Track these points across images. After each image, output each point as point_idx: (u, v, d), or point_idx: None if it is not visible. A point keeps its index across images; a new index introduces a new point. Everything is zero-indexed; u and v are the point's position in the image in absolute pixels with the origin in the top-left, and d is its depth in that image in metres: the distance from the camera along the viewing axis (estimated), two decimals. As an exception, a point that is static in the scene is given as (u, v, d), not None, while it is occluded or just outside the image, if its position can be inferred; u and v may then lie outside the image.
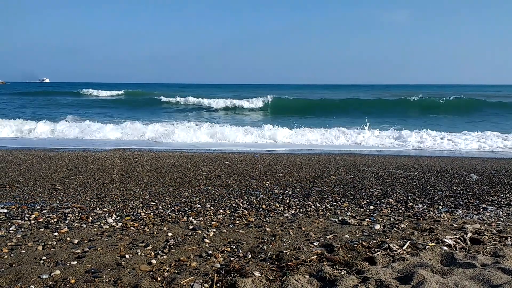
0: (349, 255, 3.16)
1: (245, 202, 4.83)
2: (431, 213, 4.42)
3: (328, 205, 4.71)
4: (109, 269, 2.89)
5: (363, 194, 5.24)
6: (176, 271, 2.87)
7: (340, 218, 4.16)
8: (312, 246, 3.37)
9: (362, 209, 4.56)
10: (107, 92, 39.62)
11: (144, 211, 4.43)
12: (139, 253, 3.20)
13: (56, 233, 3.68)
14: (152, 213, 4.34)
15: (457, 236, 3.54)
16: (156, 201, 4.84)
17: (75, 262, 3.00)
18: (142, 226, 3.91)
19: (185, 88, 66.42)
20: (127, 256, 3.14)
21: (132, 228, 3.86)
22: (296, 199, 4.99)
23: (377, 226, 3.89)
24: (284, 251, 3.22)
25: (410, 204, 4.79)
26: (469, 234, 3.59)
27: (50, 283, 2.67)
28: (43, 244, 3.39)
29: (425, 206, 4.69)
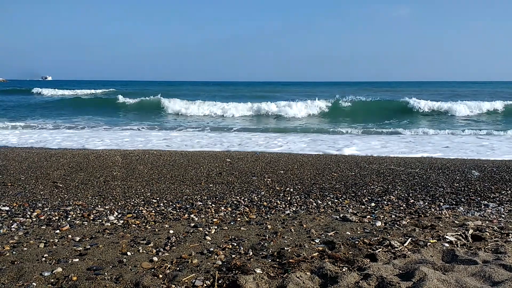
0: (350, 252, 3.16)
1: (246, 199, 4.83)
2: (433, 210, 4.41)
3: (329, 202, 4.71)
4: (110, 267, 2.90)
5: (364, 191, 5.24)
6: (178, 268, 2.88)
7: (341, 215, 4.16)
8: (314, 243, 3.38)
9: (363, 206, 4.56)
10: (66, 92, 37.60)
11: (145, 208, 4.43)
12: (140, 251, 3.21)
13: (57, 231, 3.69)
14: (153, 211, 4.35)
15: (459, 233, 3.54)
16: (158, 198, 4.84)
17: (77, 260, 3.01)
18: (144, 224, 3.92)
19: (182, 86, 65.75)
20: (128, 253, 3.15)
21: (133, 225, 3.87)
22: (297, 196, 4.99)
23: (378, 223, 3.89)
24: (285, 248, 3.22)
25: (411, 201, 4.79)
26: (471, 231, 3.59)
27: (52, 280, 2.68)
28: (44, 241, 3.40)
29: (426, 203, 4.69)
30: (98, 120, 17.32)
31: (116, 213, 4.25)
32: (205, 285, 2.63)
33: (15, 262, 2.96)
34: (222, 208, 4.47)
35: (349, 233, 3.62)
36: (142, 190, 5.22)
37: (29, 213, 4.21)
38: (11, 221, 3.94)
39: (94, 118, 17.90)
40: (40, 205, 4.52)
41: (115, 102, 24.28)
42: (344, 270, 2.83)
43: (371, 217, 4.12)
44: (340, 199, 4.85)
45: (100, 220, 4.01)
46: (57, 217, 4.09)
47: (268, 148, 9.33)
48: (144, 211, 4.33)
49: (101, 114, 19.46)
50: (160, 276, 2.74)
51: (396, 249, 3.21)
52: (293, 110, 19.65)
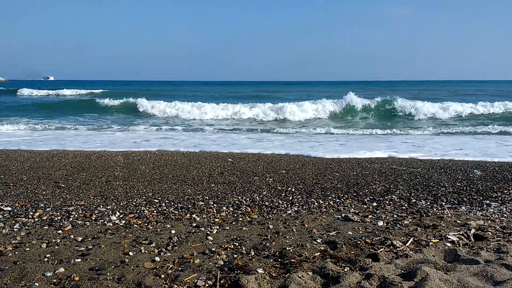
0: (352, 252, 3.16)
1: (248, 199, 4.83)
2: (435, 209, 4.41)
3: (331, 202, 4.71)
4: (113, 267, 2.90)
5: (366, 190, 5.23)
6: (180, 268, 2.88)
7: (343, 215, 4.16)
8: (315, 243, 3.38)
9: (365, 206, 4.56)
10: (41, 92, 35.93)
11: (147, 208, 4.44)
12: (142, 251, 3.21)
13: (60, 231, 3.69)
14: (155, 211, 4.36)
15: (461, 233, 3.54)
16: (159, 198, 4.85)
17: (79, 260, 3.02)
18: (146, 224, 3.92)
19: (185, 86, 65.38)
20: (130, 253, 3.16)
21: (135, 225, 3.88)
22: (299, 196, 4.99)
23: (380, 223, 3.89)
24: (287, 248, 3.22)
25: (413, 200, 4.78)
26: (473, 231, 3.58)
27: (54, 280, 2.68)
28: (47, 242, 3.41)
29: (428, 203, 4.68)
30: (55, 120, 16.58)
31: (118, 213, 4.26)
32: (207, 285, 2.64)
33: (18, 262, 2.97)
34: (224, 208, 4.47)
35: (351, 233, 3.62)
36: (144, 190, 5.22)
37: (31, 213, 4.22)
38: (13, 221, 3.95)
39: (51, 119, 17.09)
40: (42, 205, 4.52)
41: (92, 103, 23.20)
42: (346, 270, 2.83)
43: (373, 217, 4.12)
44: (342, 199, 4.85)
45: (102, 220, 4.02)
46: (59, 217, 4.09)
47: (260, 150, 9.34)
48: (146, 211, 4.33)
49: (65, 115, 18.50)
50: (162, 276, 2.74)
51: (398, 248, 3.20)
52: (292, 111, 18.35)
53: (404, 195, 5.02)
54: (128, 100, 22.16)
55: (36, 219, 4.04)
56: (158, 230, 3.74)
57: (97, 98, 24.29)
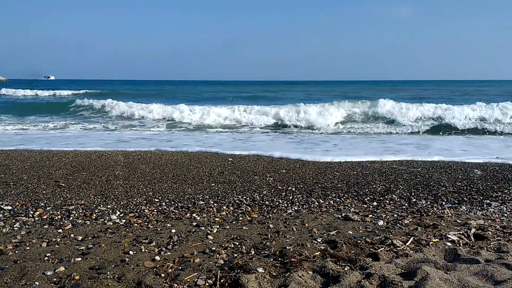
0: (352, 251, 3.16)
1: (248, 198, 4.83)
2: (435, 209, 4.41)
3: (331, 201, 4.71)
4: (113, 266, 2.90)
5: (366, 190, 5.23)
6: (180, 268, 2.88)
7: (343, 214, 4.16)
8: (316, 242, 3.38)
9: (365, 205, 4.56)
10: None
11: (147, 207, 4.44)
12: (143, 250, 3.21)
13: (60, 230, 3.70)
14: (155, 210, 4.36)
15: (461, 232, 3.54)
16: (160, 198, 4.85)
17: (79, 259, 3.02)
18: (146, 223, 3.92)
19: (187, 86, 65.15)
20: (131, 252, 3.16)
21: (135, 224, 3.88)
22: (299, 195, 4.99)
23: (381, 222, 3.89)
24: (287, 247, 3.23)
25: (414, 200, 4.78)
26: (473, 230, 3.58)
27: (55, 279, 2.68)
28: (47, 241, 3.41)
29: (428, 202, 4.68)
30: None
31: (118, 212, 4.26)
32: (207, 284, 2.64)
33: (18, 261, 2.97)
34: (224, 207, 4.48)
35: (351, 232, 3.62)
36: (144, 189, 5.22)
37: (31, 212, 4.23)
38: (13, 221, 3.95)
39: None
40: (42, 204, 4.53)
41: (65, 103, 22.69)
42: (346, 269, 2.83)
43: (373, 216, 4.12)
44: (342, 198, 4.85)
45: (103, 220, 4.02)
46: (59, 217, 4.10)
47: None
48: (146, 210, 4.33)
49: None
50: (162, 275, 2.74)
51: (398, 248, 3.20)
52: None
53: (404, 194, 5.02)
54: (96, 102, 21.29)
55: (37, 218, 4.04)
56: (158, 229, 3.74)
57: (77, 99, 23.91)
